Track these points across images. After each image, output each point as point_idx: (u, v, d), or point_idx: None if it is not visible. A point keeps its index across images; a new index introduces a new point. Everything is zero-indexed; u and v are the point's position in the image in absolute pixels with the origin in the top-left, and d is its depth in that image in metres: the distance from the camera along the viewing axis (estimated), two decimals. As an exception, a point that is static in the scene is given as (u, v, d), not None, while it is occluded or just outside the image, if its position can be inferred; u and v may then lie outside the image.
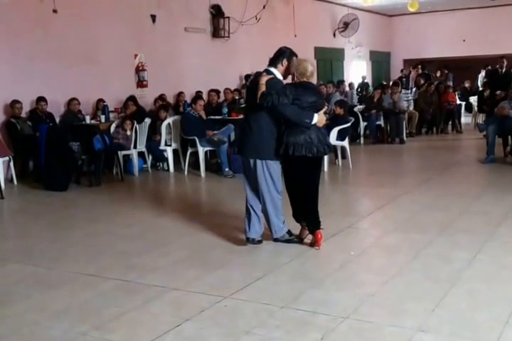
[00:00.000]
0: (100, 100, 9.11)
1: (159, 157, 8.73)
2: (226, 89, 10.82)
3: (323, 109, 4.46)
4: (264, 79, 4.33)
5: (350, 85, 14.74)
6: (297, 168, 4.40)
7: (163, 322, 3.16)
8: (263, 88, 4.27)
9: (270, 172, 4.43)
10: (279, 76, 4.50)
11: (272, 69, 4.49)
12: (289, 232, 4.62)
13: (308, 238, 4.55)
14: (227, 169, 7.94)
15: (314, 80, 4.68)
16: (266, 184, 4.43)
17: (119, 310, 3.32)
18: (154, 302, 3.45)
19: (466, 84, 16.76)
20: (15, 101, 7.93)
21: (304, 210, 4.53)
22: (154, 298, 3.50)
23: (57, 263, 4.27)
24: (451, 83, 15.97)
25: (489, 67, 12.97)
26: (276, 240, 4.59)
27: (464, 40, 17.52)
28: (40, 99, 8.19)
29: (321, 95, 4.65)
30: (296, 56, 4.57)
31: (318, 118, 4.35)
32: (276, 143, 4.36)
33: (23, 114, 8.15)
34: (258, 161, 4.42)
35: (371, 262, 4.30)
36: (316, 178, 4.51)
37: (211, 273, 3.96)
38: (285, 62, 4.48)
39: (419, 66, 15.96)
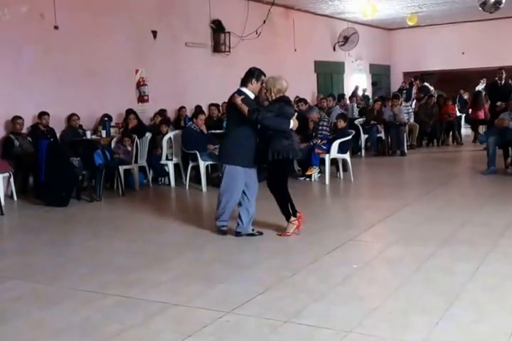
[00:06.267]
0: (105, 115, 9.12)
1: (160, 171, 8.72)
2: (224, 102, 10.86)
3: (294, 115, 5.17)
4: (238, 100, 4.97)
5: (351, 98, 14.79)
6: (278, 169, 5.13)
7: (165, 338, 3.13)
8: (244, 107, 4.92)
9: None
10: (250, 94, 5.12)
11: (243, 89, 5.12)
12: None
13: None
14: (228, 183, 7.91)
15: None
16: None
17: (120, 327, 3.28)
18: (155, 318, 3.41)
19: (465, 96, 16.80)
20: (16, 117, 7.94)
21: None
22: (155, 314, 3.46)
23: (57, 280, 4.24)
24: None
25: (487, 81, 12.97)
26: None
27: (463, 53, 17.59)
28: (43, 113, 8.25)
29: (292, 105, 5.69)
30: (265, 75, 5.17)
31: (294, 123, 5.09)
32: (262, 150, 5.06)
33: (24, 130, 8.16)
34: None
35: (374, 275, 4.27)
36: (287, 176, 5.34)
37: (213, 288, 3.93)
38: (254, 81, 5.11)
39: (418, 79, 16.06)
